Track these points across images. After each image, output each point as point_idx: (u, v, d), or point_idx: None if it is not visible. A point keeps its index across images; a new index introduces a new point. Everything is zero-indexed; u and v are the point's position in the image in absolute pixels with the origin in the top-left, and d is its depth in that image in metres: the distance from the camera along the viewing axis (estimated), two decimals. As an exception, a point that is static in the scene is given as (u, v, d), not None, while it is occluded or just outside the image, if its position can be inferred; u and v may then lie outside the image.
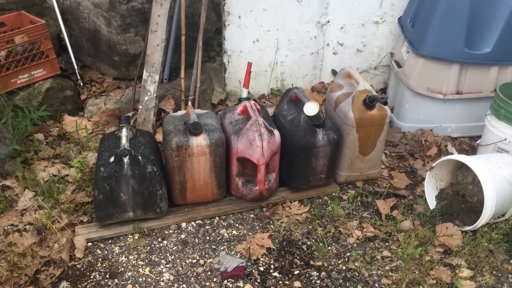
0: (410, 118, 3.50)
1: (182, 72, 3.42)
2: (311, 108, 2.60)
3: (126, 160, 2.48)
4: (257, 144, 2.59)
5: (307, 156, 2.79)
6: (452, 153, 3.25)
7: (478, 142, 3.18)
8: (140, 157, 2.50)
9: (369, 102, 2.75)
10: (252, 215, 2.80)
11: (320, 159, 2.82)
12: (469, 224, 2.67)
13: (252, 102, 2.79)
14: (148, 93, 3.30)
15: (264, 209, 2.82)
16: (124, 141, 2.52)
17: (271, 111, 3.66)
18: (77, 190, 2.88)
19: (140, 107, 3.33)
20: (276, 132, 2.72)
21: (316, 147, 2.75)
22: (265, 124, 2.64)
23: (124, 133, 2.58)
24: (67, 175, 3.00)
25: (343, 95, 2.92)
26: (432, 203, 2.85)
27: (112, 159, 2.49)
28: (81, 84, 3.63)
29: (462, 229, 2.64)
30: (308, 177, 2.88)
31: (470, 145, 3.39)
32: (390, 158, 3.29)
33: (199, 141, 2.58)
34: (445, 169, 2.90)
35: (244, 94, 2.98)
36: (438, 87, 3.33)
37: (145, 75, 3.29)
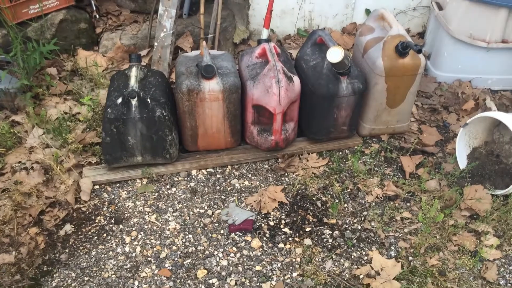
0: (448, 67, 3.20)
1: (201, 7, 3.18)
2: (335, 54, 2.36)
3: (134, 102, 2.35)
4: (274, 91, 2.40)
5: (328, 106, 2.59)
6: (490, 108, 2.98)
7: (521, 97, 2.89)
8: (149, 100, 2.36)
9: (402, 49, 2.48)
10: (266, 166, 2.66)
11: (342, 110, 2.61)
12: (502, 188, 2.46)
13: (272, 44, 2.56)
14: (164, 29, 3.09)
15: (279, 160, 2.68)
16: (133, 81, 2.37)
17: (295, 54, 3.43)
18: (87, 130, 2.79)
19: (156, 44, 3.14)
20: (295, 79, 2.51)
21: (339, 96, 2.54)
22: (284, 70, 2.44)
23: (134, 72, 2.42)
24: (78, 113, 2.91)
25: (374, 40, 2.65)
26: (462, 163, 2.64)
27: (119, 100, 2.36)
28: (97, 16, 3.44)
29: (493, 193, 2.44)
30: (328, 129, 2.69)
31: (511, 100, 3.10)
32: (421, 110, 3.04)
33: (212, 86, 2.40)
34: (481, 126, 2.65)
35: (264, 35, 2.74)
36: (481, 34, 2.99)
37: (161, 9, 3.07)
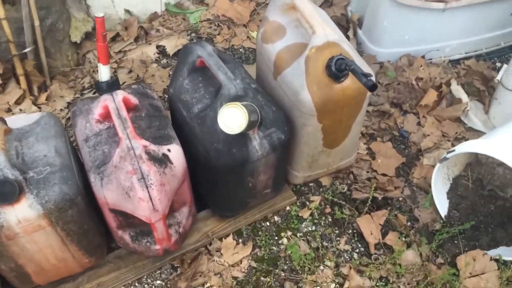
0: (391, 40, 2.28)
1: (-3, 10, 1.95)
2: (232, 121, 1.34)
3: None
4: (140, 195, 1.38)
5: (237, 178, 1.62)
6: (461, 100, 2.15)
7: (498, 78, 2.07)
8: None
9: (337, 71, 1.51)
10: (158, 282, 1.70)
11: (260, 174, 1.66)
12: (508, 243, 1.73)
13: (121, 95, 1.47)
14: None
15: (178, 269, 1.72)
16: None
17: (169, 44, 2.36)
18: None
19: None
20: (174, 151, 1.48)
21: (251, 162, 1.57)
22: (150, 151, 1.40)
23: None
24: None
25: (288, 51, 1.64)
26: (443, 208, 1.84)
27: None
28: None
29: (500, 259, 1.69)
30: (243, 201, 1.75)
31: (482, 76, 2.27)
32: (366, 117, 2.15)
33: (21, 213, 1.32)
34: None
35: (104, 74, 1.60)
36: (437, -9, 2.07)
37: None
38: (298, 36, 1.65)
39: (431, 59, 2.33)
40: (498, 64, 2.42)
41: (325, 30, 1.53)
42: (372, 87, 1.35)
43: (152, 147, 1.41)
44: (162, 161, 1.42)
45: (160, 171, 1.40)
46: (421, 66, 2.24)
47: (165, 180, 1.42)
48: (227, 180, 1.62)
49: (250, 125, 1.39)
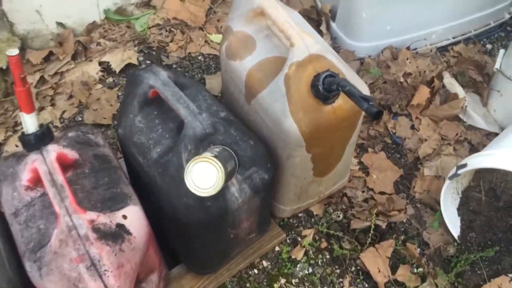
0: (371, 32, 1.99)
1: None
2: (203, 180, 1.03)
3: None
4: (92, 286, 1.06)
5: (215, 233, 1.32)
6: (457, 95, 1.89)
7: (496, 67, 1.82)
8: None
9: (326, 91, 1.21)
10: None
11: (243, 222, 1.36)
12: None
13: (53, 153, 1.13)
14: None
15: None
16: None
17: (114, 59, 2.03)
18: None
19: None
20: (132, 214, 1.16)
21: (230, 213, 1.26)
22: (101, 225, 1.07)
23: None
24: None
25: (261, 69, 1.32)
26: (455, 227, 1.60)
27: None
28: None
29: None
30: (225, 253, 1.45)
31: (476, 63, 2.01)
32: (352, 125, 1.87)
33: None
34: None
35: (30, 125, 1.24)
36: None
37: None
38: (272, 48, 1.33)
39: (416, 49, 2.07)
40: (489, 46, 2.18)
41: (305, 41, 1.22)
42: (377, 115, 1.05)
43: (102, 219, 1.09)
44: (116, 235, 1.10)
45: (116, 249, 1.08)
46: (407, 59, 1.97)
47: (124, 259, 1.10)
48: (203, 236, 1.32)
49: (228, 179, 1.08)
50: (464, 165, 1.45)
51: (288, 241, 1.61)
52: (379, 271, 1.51)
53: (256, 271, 1.56)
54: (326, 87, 1.20)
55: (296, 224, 1.65)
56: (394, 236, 1.60)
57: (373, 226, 1.56)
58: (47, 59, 2.06)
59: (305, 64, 1.23)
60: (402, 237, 1.61)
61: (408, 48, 2.02)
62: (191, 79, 1.62)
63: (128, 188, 1.24)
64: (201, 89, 1.38)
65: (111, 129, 1.86)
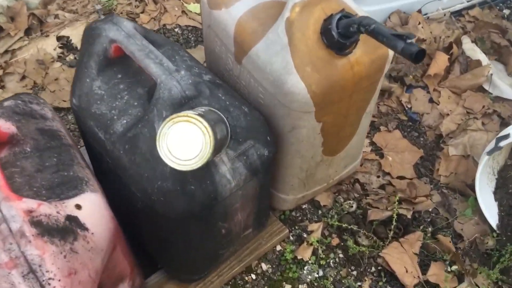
0: (375, -6, 1.74)
1: None
2: (184, 149, 0.75)
3: None
4: (32, 303, 0.77)
5: (201, 228, 1.04)
6: (480, 62, 1.64)
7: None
8: None
9: (343, 37, 0.95)
10: None
11: (237, 214, 1.08)
12: None
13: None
14: None
15: None
16: None
17: (75, 32, 1.77)
18: None
19: None
20: (89, 202, 0.87)
21: (221, 201, 0.98)
22: (43, 216, 0.78)
23: None
24: None
25: (254, 16, 1.05)
26: (492, 214, 1.34)
27: None
28: None
29: None
30: (214, 254, 1.17)
31: (498, 27, 1.78)
32: (360, 100, 1.61)
33: None
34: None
35: None
36: None
37: None
38: (264, -11, 1.07)
39: (426, 14, 1.82)
40: (506, 11, 1.95)
41: (310, -28, 0.96)
42: (419, 56, 0.79)
43: (45, 209, 0.80)
44: (66, 231, 0.81)
45: (65, 250, 0.80)
46: (419, 23, 1.73)
47: (77, 263, 0.82)
48: (186, 232, 1.03)
49: (217, 149, 0.81)
50: (507, 136, 1.20)
51: (291, 238, 1.34)
52: (407, 271, 1.24)
53: (253, 276, 1.27)
54: (341, 31, 0.94)
55: (300, 218, 1.38)
56: (421, 227, 1.34)
57: (395, 217, 1.29)
58: (-4, 36, 1.77)
59: (313, 4, 0.96)
60: (429, 229, 1.35)
61: (419, 11, 1.77)
62: (166, 38, 1.35)
63: (84, 171, 0.95)
64: (178, 48, 1.10)
65: (71, 113, 1.57)
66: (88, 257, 0.84)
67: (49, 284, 0.77)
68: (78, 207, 0.86)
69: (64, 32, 1.76)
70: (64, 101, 1.61)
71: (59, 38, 1.75)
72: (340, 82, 0.99)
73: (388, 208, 1.34)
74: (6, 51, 1.73)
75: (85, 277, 0.84)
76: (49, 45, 1.74)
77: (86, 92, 1.04)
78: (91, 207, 0.89)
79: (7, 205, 0.76)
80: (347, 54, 0.99)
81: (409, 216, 1.33)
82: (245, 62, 1.07)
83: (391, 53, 1.04)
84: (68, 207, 0.84)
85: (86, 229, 0.85)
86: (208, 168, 0.94)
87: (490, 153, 1.23)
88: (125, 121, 0.99)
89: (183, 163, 0.75)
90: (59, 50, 1.73)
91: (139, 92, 1.02)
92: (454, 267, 1.28)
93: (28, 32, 1.77)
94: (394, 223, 1.29)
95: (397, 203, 1.31)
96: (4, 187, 0.77)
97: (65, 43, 1.76)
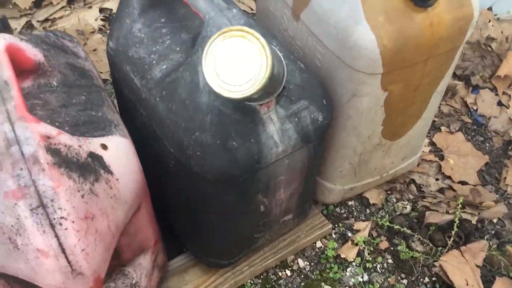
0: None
1: None
2: (235, 69, 0.64)
3: None
4: (38, 244, 0.65)
5: (238, 198, 0.91)
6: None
7: None
8: None
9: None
10: None
11: (280, 189, 0.95)
12: None
13: (3, 41, 0.75)
14: None
15: None
16: None
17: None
18: None
19: None
20: (116, 146, 0.77)
21: (264, 167, 0.86)
22: (62, 146, 0.68)
23: None
24: None
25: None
26: None
27: None
28: None
29: None
30: (248, 238, 1.04)
31: None
32: (419, 97, 1.48)
33: None
34: None
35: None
36: None
37: None
38: None
39: (496, 15, 1.69)
40: None
41: None
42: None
43: (65, 138, 0.69)
44: (88, 168, 0.70)
45: (83, 189, 0.68)
46: (489, 21, 1.59)
47: (96, 207, 0.70)
48: (221, 202, 0.91)
49: (272, 85, 0.69)
50: None
51: (334, 236, 1.19)
52: (467, 284, 1.08)
53: (288, 272, 1.13)
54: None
55: (345, 215, 1.24)
56: (486, 238, 1.18)
57: (457, 221, 1.14)
58: (38, 4, 1.72)
59: (391, -52, 0.85)
60: (494, 240, 1.19)
61: (489, 9, 1.64)
62: None
63: (114, 115, 0.85)
64: None
65: (108, 84, 1.49)
66: (110, 204, 0.73)
67: (60, 224, 0.65)
68: (104, 147, 0.75)
69: (107, 4, 1.70)
70: (101, 72, 1.53)
71: (101, 10, 1.70)
72: (417, 39, 0.87)
73: (449, 212, 1.18)
74: (46, 19, 1.68)
75: (104, 227, 0.72)
76: (91, 16, 1.68)
77: (124, 34, 0.94)
78: (118, 151, 0.78)
79: (22, 125, 0.66)
80: (428, 6, 0.86)
81: (473, 222, 1.17)
82: (303, 16, 0.96)
83: (476, 13, 0.91)
84: (92, 144, 0.73)
85: (111, 172, 0.73)
86: (254, 125, 0.82)
87: None
88: (164, 66, 0.89)
89: (232, 89, 0.63)
90: (101, 22, 1.67)
91: (182, 37, 0.92)
92: (524, 283, 1.11)
93: (71, 1, 1.73)
94: (455, 228, 1.14)
95: (460, 205, 1.15)
96: (20, 106, 0.67)
97: (107, 16, 1.70)
